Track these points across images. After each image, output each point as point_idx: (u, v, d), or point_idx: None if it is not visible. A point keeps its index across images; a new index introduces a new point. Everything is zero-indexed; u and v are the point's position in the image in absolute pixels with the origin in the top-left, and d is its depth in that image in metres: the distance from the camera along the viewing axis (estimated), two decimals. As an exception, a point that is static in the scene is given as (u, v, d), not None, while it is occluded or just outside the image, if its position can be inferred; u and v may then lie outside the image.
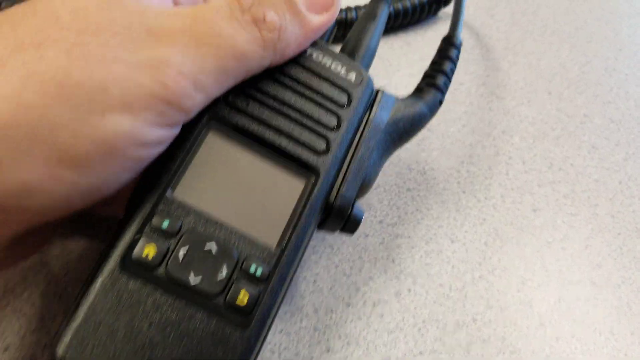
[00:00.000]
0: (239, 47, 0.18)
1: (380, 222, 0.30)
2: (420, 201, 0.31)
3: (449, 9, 0.42)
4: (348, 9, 0.38)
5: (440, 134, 0.35)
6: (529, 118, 0.37)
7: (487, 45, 0.41)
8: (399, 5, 0.40)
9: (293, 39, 0.19)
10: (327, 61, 0.22)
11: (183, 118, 0.18)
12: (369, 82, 0.23)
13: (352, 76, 0.22)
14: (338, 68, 0.22)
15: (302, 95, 0.21)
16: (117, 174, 0.17)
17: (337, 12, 0.21)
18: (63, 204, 0.17)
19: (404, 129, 0.24)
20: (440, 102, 0.27)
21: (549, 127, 0.36)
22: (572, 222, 0.31)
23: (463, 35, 0.41)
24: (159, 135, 0.17)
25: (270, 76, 0.21)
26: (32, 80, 0.15)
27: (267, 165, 0.20)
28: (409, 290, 0.28)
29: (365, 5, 0.38)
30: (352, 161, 0.22)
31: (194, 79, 0.17)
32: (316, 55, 0.22)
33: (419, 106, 0.25)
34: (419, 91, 0.27)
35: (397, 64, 0.39)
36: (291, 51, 0.20)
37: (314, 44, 0.22)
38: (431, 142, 0.34)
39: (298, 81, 0.21)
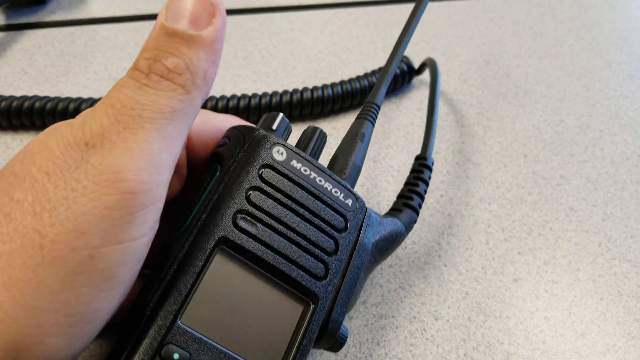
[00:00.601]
0: (166, 107, 0.17)
1: (364, 302, 0.31)
2: (402, 277, 0.32)
3: (424, 76, 0.44)
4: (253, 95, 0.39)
5: (420, 206, 0.35)
6: (505, 184, 0.37)
7: (461, 111, 0.42)
8: (373, 79, 0.41)
9: (204, 63, 0.19)
10: (328, 185, 0.23)
11: (162, 200, 0.18)
12: (363, 206, 0.24)
13: (349, 201, 0.23)
14: (337, 193, 0.23)
15: (305, 219, 0.22)
16: (121, 294, 0.17)
17: (224, 11, 0.20)
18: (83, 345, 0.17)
19: (385, 249, 0.26)
20: (415, 221, 0.29)
21: (526, 192, 0.37)
22: (554, 290, 0.32)
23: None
24: (151, 232, 0.17)
25: (277, 199, 0.21)
26: (12, 255, 0.15)
27: (269, 289, 0.21)
28: (395, 373, 0.28)
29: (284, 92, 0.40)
30: (344, 284, 0.22)
31: (152, 164, 0.17)
32: (320, 179, 0.23)
33: (398, 226, 0.27)
34: (396, 210, 0.29)
35: (374, 136, 0.40)
36: (211, 73, 0.19)
37: (317, 169, 0.23)
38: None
39: (303, 205, 0.22)
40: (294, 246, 0.21)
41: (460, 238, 0.34)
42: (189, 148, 0.23)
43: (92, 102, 0.38)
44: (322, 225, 0.22)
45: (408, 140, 0.40)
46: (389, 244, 0.26)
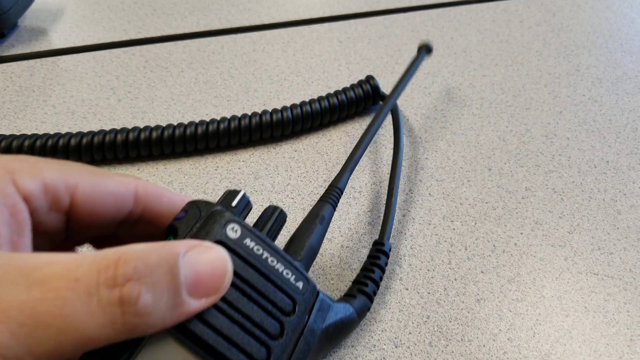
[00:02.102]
0: (86, 332, 0.15)
1: (323, 332, 0.30)
2: (362, 304, 0.31)
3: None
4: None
5: (381, 228, 0.34)
6: (469, 199, 0.37)
7: (424, 126, 0.42)
8: (334, 100, 0.41)
9: (160, 322, 0.16)
10: (279, 267, 0.22)
11: None
12: (313, 290, 0.23)
13: (300, 284, 0.23)
14: (288, 274, 0.22)
15: (252, 300, 0.21)
16: None
17: (218, 299, 0.19)
18: None
19: (335, 335, 0.25)
20: (369, 308, 0.29)
21: (490, 207, 0.36)
22: (518, 309, 0.31)
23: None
24: None
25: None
26: None
27: None
28: (353, 407, 0.27)
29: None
30: None
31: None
32: (272, 259, 0.22)
33: (350, 313, 0.27)
34: (350, 296, 0.29)
35: (337, 156, 0.39)
36: (150, 332, 0.17)
37: (270, 249, 0.22)
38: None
39: (251, 285, 0.21)
40: (236, 327, 0.20)
41: (422, 259, 0.33)
42: (73, 212, 0.20)
43: (47, 137, 0.37)
44: (269, 307, 0.21)
45: (370, 159, 0.39)
46: (339, 330, 0.26)
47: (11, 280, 0.14)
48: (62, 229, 0.21)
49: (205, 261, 0.18)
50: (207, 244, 0.19)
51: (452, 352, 0.29)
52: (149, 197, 0.22)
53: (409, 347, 0.29)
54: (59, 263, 0.15)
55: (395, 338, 0.30)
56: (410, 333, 0.30)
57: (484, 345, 0.29)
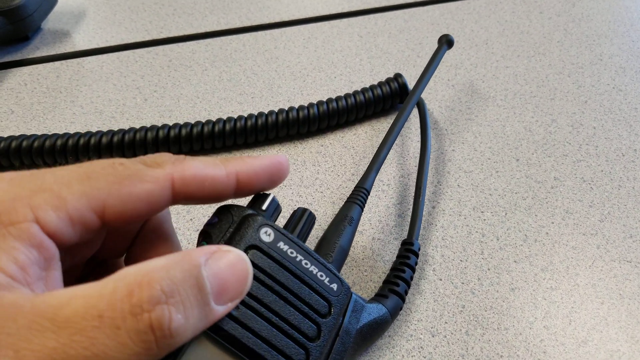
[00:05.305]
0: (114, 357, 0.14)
1: (359, 323, 0.30)
2: (397, 295, 0.31)
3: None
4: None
5: (412, 220, 0.35)
6: (498, 190, 0.37)
7: (449, 118, 0.42)
8: (361, 97, 0.41)
9: (191, 334, 0.16)
10: (314, 269, 0.22)
11: None
12: (347, 291, 0.24)
13: (334, 286, 0.23)
14: (323, 277, 0.23)
15: (289, 302, 0.21)
16: None
17: (242, 299, 0.19)
18: None
19: (369, 335, 0.26)
20: (401, 308, 0.29)
21: (519, 197, 0.36)
22: (553, 297, 0.31)
23: (426, 110, 0.42)
24: None
25: (262, 281, 0.21)
26: None
27: None
28: (393, 396, 0.27)
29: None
30: None
31: None
32: (306, 262, 0.22)
33: (383, 313, 0.27)
34: (382, 296, 0.29)
35: (363, 150, 0.39)
36: (182, 343, 0.16)
37: (303, 251, 0.22)
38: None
39: (287, 288, 0.21)
40: (275, 330, 0.20)
41: (455, 250, 0.33)
42: (104, 226, 0.19)
43: (78, 136, 0.38)
44: (306, 309, 0.21)
45: (397, 152, 0.39)
46: (373, 330, 0.26)
47: (38, 328, 0.14)
48: (97, 240, 0.21)
49: (226, 266, 0.18)
50: (225, 247, 0.18)
51: (489, 340, 0.29)
52: (189, 187, 0.20)
53: (445, 337, 0.29)
54: (79, 299, 0.15)
55: (432, 328, 0.30)
56: (446, 322, 0.30)
57: (521, 334, 0.30)
